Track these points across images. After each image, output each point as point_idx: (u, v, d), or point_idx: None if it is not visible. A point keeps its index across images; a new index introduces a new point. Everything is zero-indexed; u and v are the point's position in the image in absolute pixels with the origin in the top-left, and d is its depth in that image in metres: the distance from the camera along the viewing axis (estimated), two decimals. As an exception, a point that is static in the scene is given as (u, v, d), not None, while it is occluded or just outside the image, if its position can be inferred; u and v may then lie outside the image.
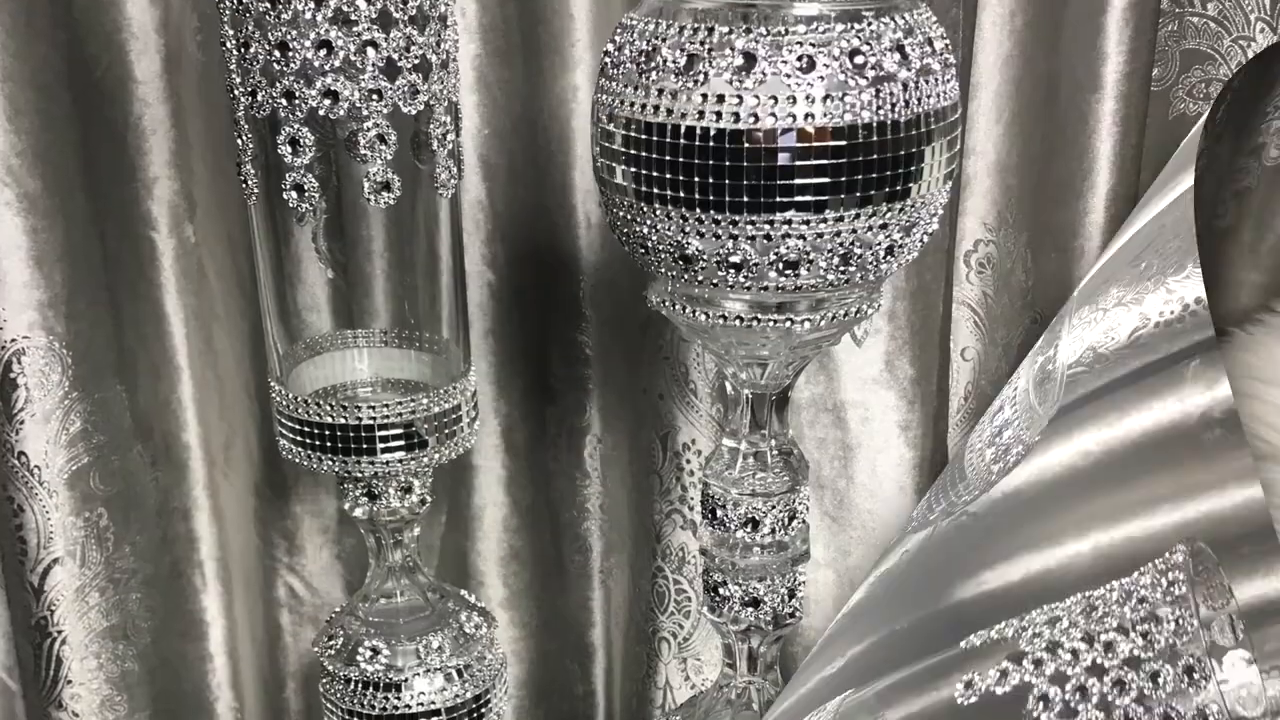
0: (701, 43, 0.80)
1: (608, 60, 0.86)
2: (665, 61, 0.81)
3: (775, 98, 0.78)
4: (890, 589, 1.07)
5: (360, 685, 1.19)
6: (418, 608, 1.22)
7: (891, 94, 0.81)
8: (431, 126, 1.03)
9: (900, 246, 0.85)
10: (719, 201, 0.80)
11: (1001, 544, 0.95)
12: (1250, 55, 1.34)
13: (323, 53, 0.96)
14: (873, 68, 0.80)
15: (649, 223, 0.83)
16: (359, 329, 1.18)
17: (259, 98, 0.99)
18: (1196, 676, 0.81)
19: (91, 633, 1.36)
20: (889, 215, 0.82)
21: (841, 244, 0.82)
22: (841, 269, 0.83)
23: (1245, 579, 0.81)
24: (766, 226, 0.80)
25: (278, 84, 0.98)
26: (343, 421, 1.08)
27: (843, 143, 0.79)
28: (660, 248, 0.84)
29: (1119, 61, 1.31)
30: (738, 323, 0.88)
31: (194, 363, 1.32)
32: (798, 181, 0.79)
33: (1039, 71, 1.33)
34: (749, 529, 0.99)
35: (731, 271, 0.83)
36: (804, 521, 1.01)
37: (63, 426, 1.28)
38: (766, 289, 0.84)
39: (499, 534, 1.49)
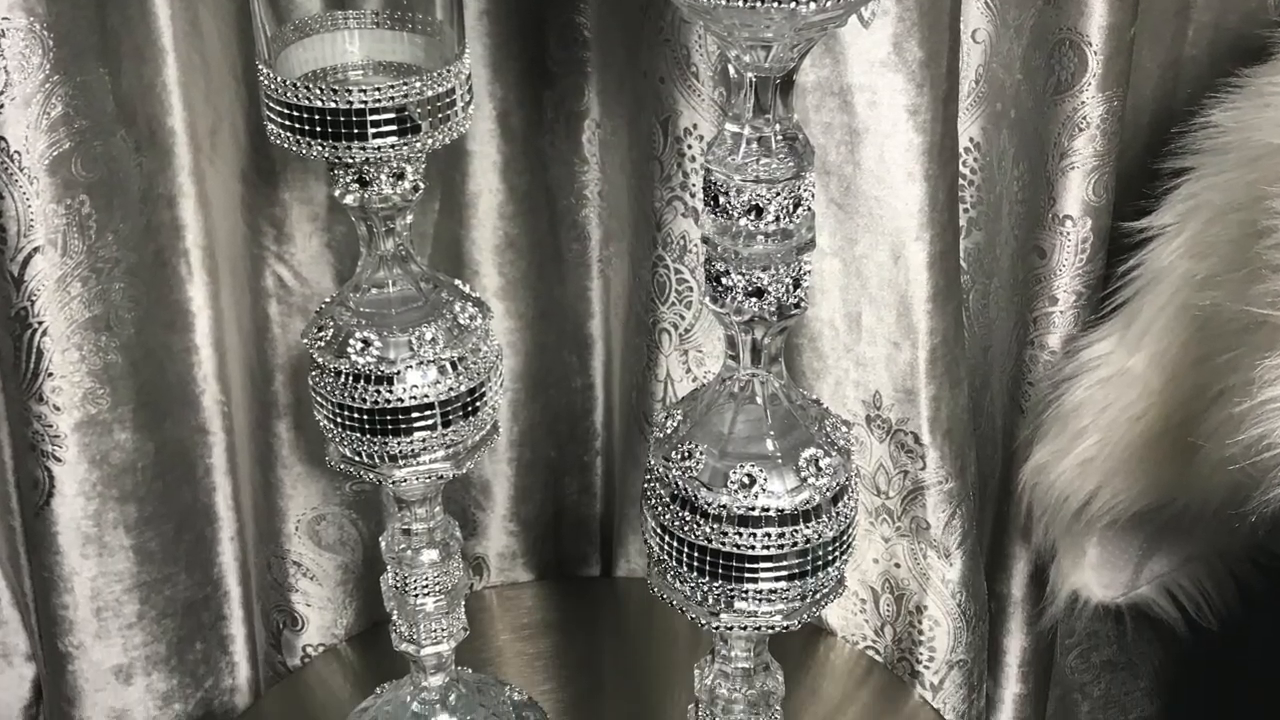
0: None
1: None
2: None
3: None
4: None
5: (351, 378, 1.21)
6: (410, 298, 1.23)
7: None
8: None
9: (910, -76, 0.85)
10: (720, -122, 0.80)
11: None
12: None
13: None
14: None
15: (650, -100, 0.84)
16: (349, 10, 1.18)
17: None
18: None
19: (73, 324, 1.37)
20: (899, -108, 0.82)
21: (849, -79, 0.82)
22: (849, -53, 0.83)
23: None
24: (770, -97, 0.80)
25: None
26: (333, 105, 1.08)
27: None
28: (661, -74, 0.84)
29: None
30: (741, 3, 0.87)
31: (179, 45, 1.32)
32: None
33: None
34: (752, 216, 0.98)
35: (735, -50, 0.83)
36: (809, 209, 1.00)
37: (43, 111, 1.28)
38: (771, -32, 0.84)
39: (494, 221, 1.51)
